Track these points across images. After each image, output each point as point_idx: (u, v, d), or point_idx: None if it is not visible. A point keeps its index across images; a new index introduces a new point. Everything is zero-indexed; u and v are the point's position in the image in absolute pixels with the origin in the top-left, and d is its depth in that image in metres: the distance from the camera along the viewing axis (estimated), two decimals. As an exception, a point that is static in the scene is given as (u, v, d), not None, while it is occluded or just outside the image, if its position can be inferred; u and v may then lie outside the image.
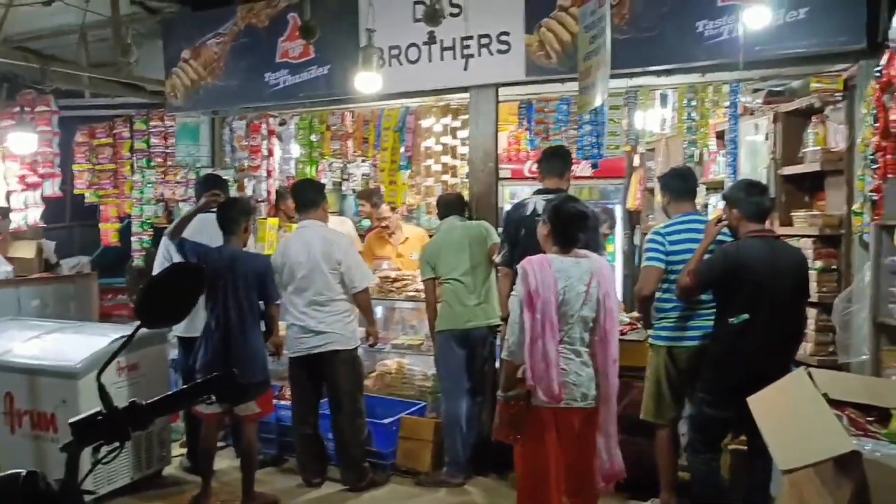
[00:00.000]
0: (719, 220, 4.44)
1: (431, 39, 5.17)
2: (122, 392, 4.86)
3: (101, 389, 1.76)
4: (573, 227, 3.83)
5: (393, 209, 7.03)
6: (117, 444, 1.75)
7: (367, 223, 8.23)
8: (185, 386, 1.85)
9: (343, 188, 9.34)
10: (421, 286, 6.06)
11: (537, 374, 3.66)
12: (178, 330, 5.58)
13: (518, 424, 3.78)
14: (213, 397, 1.85)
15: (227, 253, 4.88)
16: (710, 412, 4.27)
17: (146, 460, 5.25)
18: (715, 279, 4.22)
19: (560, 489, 3.76)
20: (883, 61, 4.05)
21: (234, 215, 4.95)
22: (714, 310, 4.35)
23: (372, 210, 7.73)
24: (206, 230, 5.18)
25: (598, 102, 4.40)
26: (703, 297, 4.42)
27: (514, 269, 4.72)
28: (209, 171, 6.85)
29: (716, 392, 4.23)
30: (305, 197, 5.45)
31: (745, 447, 4.44)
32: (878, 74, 4.11)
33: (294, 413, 5.42)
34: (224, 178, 6.22)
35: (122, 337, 4.97)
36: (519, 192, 10.21)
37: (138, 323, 1.85)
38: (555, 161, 5.03)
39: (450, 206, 5.67)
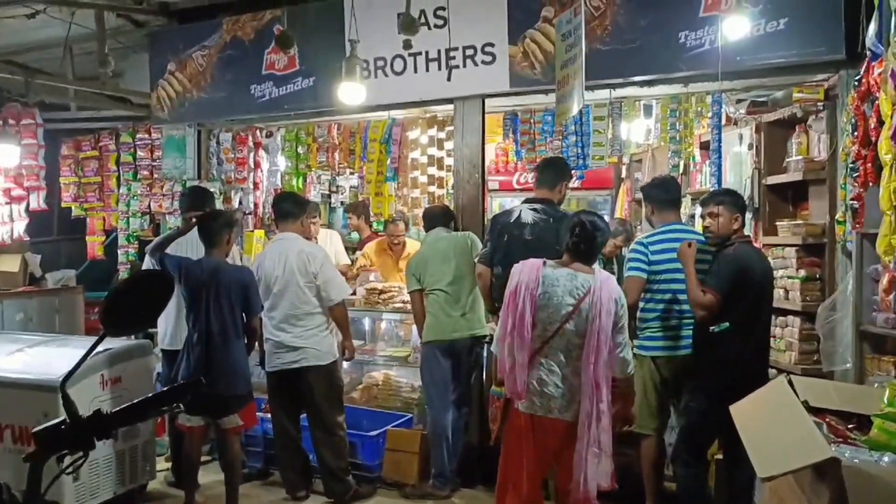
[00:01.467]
0: (689, 244, 4.40)
1: (407, 46, 5.14)
2: (106, 405, 4.76)
3: (65, 398, 1.74)
4: (575, 240, 3.80)
5: (406, 226, 7.06)
6: (81, 453, 1.72)
7: (355, 236, 8.22)
8: (149, 395, 1.83)
9: (332, 201, 9.35)
10: (407, 298, 6.05)
11: (504, 369, 3.72)
12: (163, 343, 5.56)
13: (497, 419, 3.90)
14: (182, 406, 1.82)
15: (209, 265, 4.85)
16: (698, 421, 4.26)
17: (130, 475, 5.17)
18: (734, 288, 4.17)
19: (535, 495, 3.76)
20: (862, 71, 4.07)
21: (216, 228, 4.92)
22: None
23: (358, 222, 7.76)
24: (190, 243, 5.17)
25: (575, 110, 4.42)
26: (686, 306, 4.43)
27: (492, 269, 4.80)
28: (195, 183, 6.85)
29: (703, 400, 4.22)
30: (282, 209, 5.45)
31: (725, 457, 4.43)
32: (857, 83, 4.13)
33: (275, 426, 5.39)
34: (210, 189, 6.21)
35: (105, 350, 5.01)
36: (508, 205, 10.25)
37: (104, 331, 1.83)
38: (547, 173, 5.02)
39: (435, 217, 5.67)
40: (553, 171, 5.03)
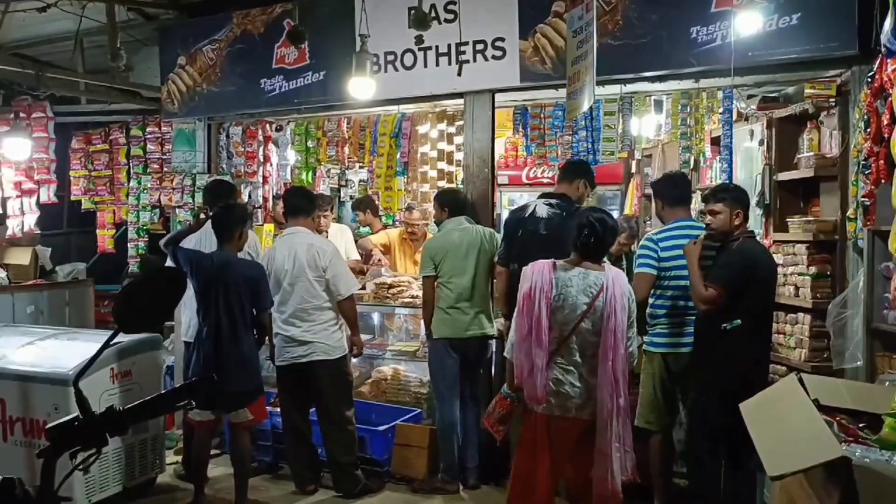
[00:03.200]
0: (694, 242, 4.40)
1: (419, 41, 5.15)
2: (116, 399, 4.84)
3: (79, 395, 1.74)
4: (584, 238, 3.77)
5: (425, 217, 7.04)
6: (94, 450, 1.73)
7: (365, 230, 8.23)
8: (162, 392, 1.83)
9: (341, 194, 9.35)
10: (417, 292, 6.03)
11: (523, 374, 3.70)
12: (186, 335, 5.58)
13: (507, 421, 3.92)
14: (194, 402, 1.83)
15: (220, 259, 4.85)
16: (711, 416, 4.24)
17: (139, 468, 5.20)
18: (739, 281, 4.16)
19: (550, 496, 3.75)
20: (875, 67, 4.05)
21: (229, 222, 4.92)
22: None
23: (365, 217, 7.78)
24: (207, 237, 5.18)
25: (585, 107, 4.41)
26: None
27: (509, 268, 4.80)
28: (205, 176, 6.87)
29: (715, 396, 4.19)
30: (292, 204, 5.48)
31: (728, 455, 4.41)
32: (870, 80, 4.10)
33: (284, 420, 5.40)
34: (230, 183, 6.26)
35: (115, 344, 5.02)
36: (517, 199, 10.26)
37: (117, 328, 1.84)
38: (567, 170, 5.11)
39: (460, 206, 5.52)
40: (574, 169, 5.10)
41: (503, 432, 4.01)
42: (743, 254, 4.22)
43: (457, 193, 5.73)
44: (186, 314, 5.51)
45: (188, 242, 5.17)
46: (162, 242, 5.12)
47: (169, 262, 5.32)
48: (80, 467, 1.75)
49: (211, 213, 5.10)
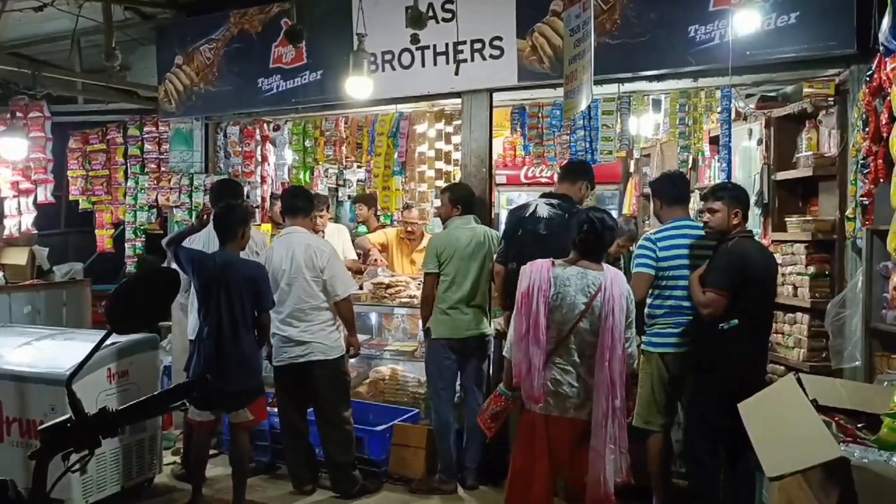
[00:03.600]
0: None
1: (415, 41, 5.15)
2: (113, 399, 4.82)
3: (71, 396, 1.73)
4: (584, 234, 3.75)
5: (423, 216, 7.00)
6: (87, 451, 1.72)
7: (363, 229, 8.23)
8: (156, 392, 1.82)
9: (339, 194, 9.34)
10: (414, 292, 6.02)
11: (521, 373, 3.69)
12: (192, 334, 5.51)
13: (499, 418, 3.93)
14: (188, 403, 1.82)
15: (222, 259, 4.83)
16: (709, 416, 4.24)
17: (136, 468, 5.19)
18: (735, 282, 4.15)
19: (548, 496, 3.74)
20: (873, 66, 4.04)
21: (230, 222, 4.89)
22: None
23: (368, 214, 7.77)
24: (213, 237, 5.17)
25: (583, 106, 4.40)
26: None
27: (507, 266, 4.78)
28: (202, 176, 6.87)
29: (713, 396, 4.19)
30: (290, 204, 5.46)
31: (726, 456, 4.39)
32: (868, 79, 4.10)
33: (282, 421, 5.39)
34: (234, 182, 6.26)
35: (112, 344, 5.02)
36: (515, 199, 10.27)
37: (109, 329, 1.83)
38: (570, 170, 5.13)
39: (470, 204, 5.48)
40: (576, 170, 5.10)
41: (495, 429, 4.01)
42: (736, 254, 4.22)
43: (469, 190, 5.61)
44: (193, 313, 5.50)
45: (196, 243, 5.16)
46: (164, 242, 5.12)
47: (171, 263, 5.34)
48: (73, 469, 1.74)
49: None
